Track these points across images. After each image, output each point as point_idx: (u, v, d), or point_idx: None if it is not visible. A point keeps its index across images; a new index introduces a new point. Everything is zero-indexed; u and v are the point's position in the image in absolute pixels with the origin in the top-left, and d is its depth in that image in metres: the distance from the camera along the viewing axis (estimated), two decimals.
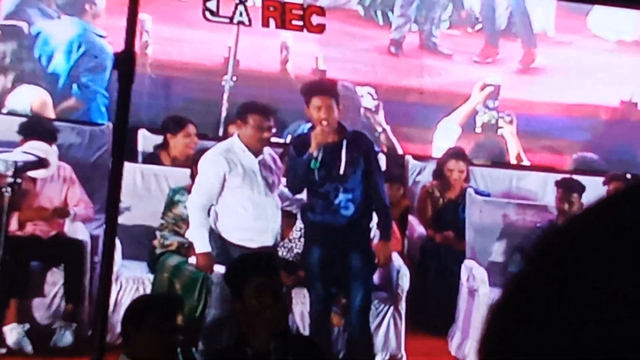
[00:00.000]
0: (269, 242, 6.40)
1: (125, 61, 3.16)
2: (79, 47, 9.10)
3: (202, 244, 6.42)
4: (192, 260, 6.63)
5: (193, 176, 6.85)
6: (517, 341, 0.75)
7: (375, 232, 6.89)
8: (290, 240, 7.31)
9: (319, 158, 6.45)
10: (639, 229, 0.73)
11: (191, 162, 7.30)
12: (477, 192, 8.54)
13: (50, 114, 8.93)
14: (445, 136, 9.75)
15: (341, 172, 6.49)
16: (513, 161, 9.98)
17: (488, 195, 8.80)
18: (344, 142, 6.52)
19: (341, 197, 6.54)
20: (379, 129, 9.63)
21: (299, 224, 7.25)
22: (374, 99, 9.64)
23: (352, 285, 6.64)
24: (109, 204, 3.28)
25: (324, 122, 6.40)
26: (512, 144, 9.98)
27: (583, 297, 0.72)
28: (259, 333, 4.34)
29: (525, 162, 9.98)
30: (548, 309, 0.74)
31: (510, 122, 9.93)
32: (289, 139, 9.32)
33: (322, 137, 6.42)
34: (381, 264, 6.92)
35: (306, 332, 6.98)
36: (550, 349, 0.73)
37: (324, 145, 6.47)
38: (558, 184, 8.16)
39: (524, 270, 0.79)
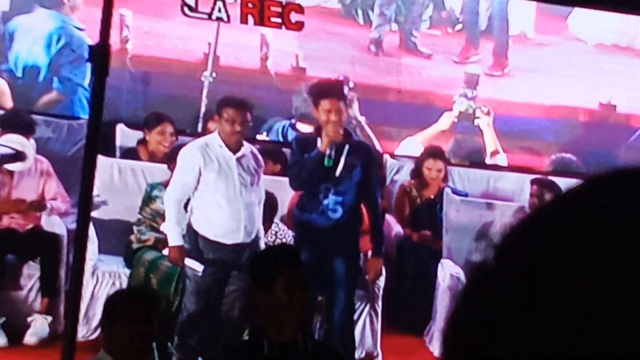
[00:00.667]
0: (242, 239, 6.37)
1: (100, 54, 3.16)
2: (59, 40, 9.06)
3: (174, 237, 6.41)
4: (166, 252, 6.63)
5: (172, 172, 6.83)
6: (480, 334, 0.75)
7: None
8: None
9: (332, 155, 6.43)
10: (605, 220, 0.73)
11: (168, 158, 7.29)
12: (455, 192, 8.55)
13: (9, 102, 8.85)
14: (407, 151, 9.71)
15: (337, 174, 6.48)
16: (489, 153, 9.97)
17: (465, 195, 8.81)
18: (346, 147, 6.49)
19: (331, 198, 6.50)
20: (354, 122, 9.59)
21: (275, 227, 7.24)
22: (348, 90, 9.59)
23: (335, 288, 6.60)
24: (82, 196, 3.28)
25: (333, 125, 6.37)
26: (488, 135, 9.97)
27: (548, 290, 0.72)
28: (286, 324, 4.46)
29: (502, 155, 9.98)
30: (513, 301, 0.73)
31: (488, 113, 9.92)
32: (265, 135, 9.33)
33: (334, 135, 6.38)
34: (371, 279, 6.94)
35: None
36: (515, 341, 0.72)
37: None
38: (533, 181, 8.21)
39: (490, 260, 0.78)
